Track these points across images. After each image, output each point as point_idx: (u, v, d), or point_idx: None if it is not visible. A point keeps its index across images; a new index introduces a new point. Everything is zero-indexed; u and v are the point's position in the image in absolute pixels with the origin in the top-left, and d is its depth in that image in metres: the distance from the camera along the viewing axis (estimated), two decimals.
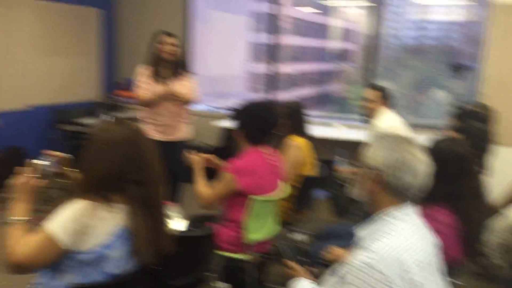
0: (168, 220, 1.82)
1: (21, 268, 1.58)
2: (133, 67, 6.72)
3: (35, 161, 1.78)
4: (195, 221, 2.92)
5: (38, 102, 5.80)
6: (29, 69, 5.65)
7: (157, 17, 6.59)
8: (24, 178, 1.75)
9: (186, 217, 2.95)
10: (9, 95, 5.39)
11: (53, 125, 5.85)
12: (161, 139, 3.85)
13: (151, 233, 1.66)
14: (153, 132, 3.86)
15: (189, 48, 6.57)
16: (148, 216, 1.65)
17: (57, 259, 1.58)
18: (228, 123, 5.72)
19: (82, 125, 5.61)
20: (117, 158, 1.61)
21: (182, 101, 3.87)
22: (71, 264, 1.60)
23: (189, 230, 2.64)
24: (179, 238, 2.24)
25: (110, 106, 6.27)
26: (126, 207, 1.62)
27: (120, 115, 5.75)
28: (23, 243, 1.57)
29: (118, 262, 1.63)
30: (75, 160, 1.83)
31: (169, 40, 3.77)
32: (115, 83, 6.74)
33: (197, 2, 6.57)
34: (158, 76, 3.80)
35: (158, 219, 1.72)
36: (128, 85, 5.96)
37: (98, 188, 1.60)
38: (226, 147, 5.94)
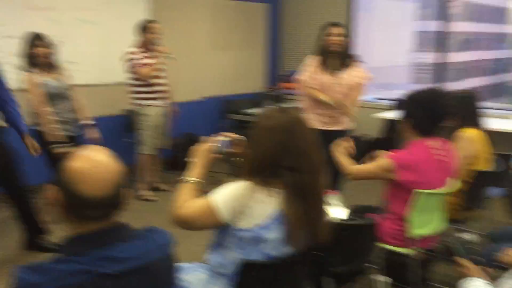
0: (328, 209, 1.82)
1: (182, 223, 1.76)
2: (296, 60, 6.96)
3: (214, 138, 1.95)
4: (356, 211, 2.90)
5: (211, 93, 6.31)
6: (204, 64, 6.18)
7: (320, 10, 6.65)
8: (205, 146, 1.91)
9: (347, 206, 2.96)
10: (187, 88, 5.95)
11: (223, 115, 6.31)
12: (323, 128, 3.90)
13: (307, 219, 1.67)
14: (315, 122, 3.92)
15: (353, 38, 6.51)
16: (304, 203, 1.66)
17: (213, 227, 1.73)
18: (391, 114, 5.55)
19: (248, 114, 5.95)
20: (272, 144, 1.66)
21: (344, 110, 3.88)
22: (233, 240, 1.71)
23: (350, 219, 2.63)
24: (340, 226, 2.26)
25: (275, 97, 6.53)
26: (283, 193, 1.65)
27: (284, 105, 5.95)
28: (189, 203, 1.75)
29: (275, 245, 1.67)
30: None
31: (336, 30, 3.77)
32: (279, 75, 6.99)
33: None
34: (325, 66, 3.83)
35: (315, 206, 1.71)
36: (291, 77, 6.13)
37: (257, 172, 1.67)
38: (388, 139, 5.78)
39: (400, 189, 2.51)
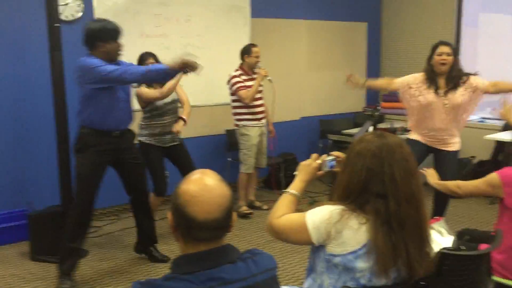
0: (433, 239, 1.74)
1: (274, 233, 1.83)
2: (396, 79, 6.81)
3: (322, 156, 2.01)
4: (462, 237, 2.76)
5: (308, 113, 6.37)
6: (302, 84, 6.26)
7: (421, 27, 6.47)
8: (309, 162, 1.97)
9: (452, 233, 2.83)
10: (285, 108, 6.06)
11: (322, 135, 6.32)
12: (431, 146, 3.86)
13: (399, 251, 1.60)
14: (419, 138, 3.86)
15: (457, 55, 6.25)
16: (395, 232, 1.59)
17: (304, 244, 1.74)
18: (500, 136, 5.23)
19: (347, 135, 5.91)
20: (360, 168, 1.64)
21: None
22: (324, 265, 1.69)
23: (458, 248, 2.51)
24: (446, 255, 2.17)
25: (375, 117, 6.42)
26: (372, 220, 1.61)
27: (385, 125, 5.83)
28: (286, 216, 1.81)
29: (365, 274, 1.63)
30: None
31: (445, 49, 3.66)
32: (380, 95, 6.88)
33: (467, 6, 6.19)
34: (432, 85, 3.72)
35: (410, 237, 1.62)
36: (391, 97, 6.01)
37: (348, 197, 1.66)
38: (496, 162, 5.44)
39: (509, 212, 2.37)
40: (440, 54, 3.66)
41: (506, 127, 5.45)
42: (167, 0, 5.00)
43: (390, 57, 6.92)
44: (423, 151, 3.84)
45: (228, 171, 5.25)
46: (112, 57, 3.21)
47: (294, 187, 1.93)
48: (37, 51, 4.28)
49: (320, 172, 2.00)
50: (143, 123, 4.10)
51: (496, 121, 5.79)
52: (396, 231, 1.59)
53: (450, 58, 3.65)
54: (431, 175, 2.82)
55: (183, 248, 1.37)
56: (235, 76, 4.70)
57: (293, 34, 6.08)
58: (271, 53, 5.73)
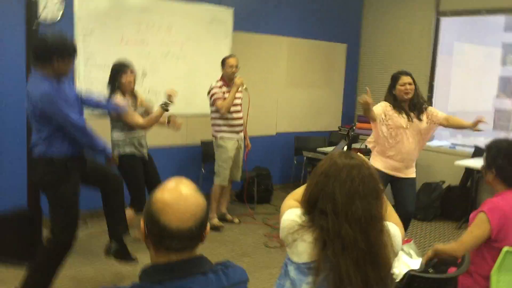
0: (401, 260, 1.75)
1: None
2: (373, 100, 6.92)
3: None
4: (431, 259, 2.79)
5: (284, 129, 6.40)
6: (279, 100, 6.30)
7: (398, 53, 6.61)
8: None
9: (421, 254, 2.86)
10: (262, 123, 6.07)
11: (296, 151, 6.35)
12: (392, 174, 3.92)
13: (341, 273, 1.55)
14: (384, 167, 3.89)
15: (432, 82, 6.41)
16: (336, 254, 1.56)
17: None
18: (469, 162, 5.35)
19: (321, 153, 5.95)
20: (311, 182, 1.68)
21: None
22: (284, 270, 1.72)
23: (426, 270, 2.54)
24: (414, 277, 2.19)
25: (349, 136, 6.49)
26: (318, 237, 1.61)
27: (359, 145, 5.90)
28: (293, 195, 1.88)
29: None
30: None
31: (407, 79, 3.78)
32: (356, 115, 6.97)
33: (443, 36, 6.37)
34: (403, 110, 3.82)
35: (361, 262, 1.56)
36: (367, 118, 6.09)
37: (305, 208, 1.69)
38: (464, 188, 5.56)
39: (487, 243, 2.41)
40: (403, 85, 3.77)
41: (476, 154, 5.58)
42: (150, 7, 4.98)
43: (367, 78, 7.03)
44: (385, 182, 3.85)
45: (201, 183, 5.21)
46: (63, 76, 2.98)
47: None
48: (13, 52, 4.20)
49: None
50: (122, 136, 3.98)
51: (464, 147, 5.94)
52: (338, 252, 1.55)
53: (412, 87, 3.79)
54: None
55: (154, 257, 1.34)
56: (215, 87, 4.70)
57: (274, 50, 6.13)
58: (251, 67, 5.76)
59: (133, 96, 4.02)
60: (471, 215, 2.53)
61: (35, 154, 3.02)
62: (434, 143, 6.25)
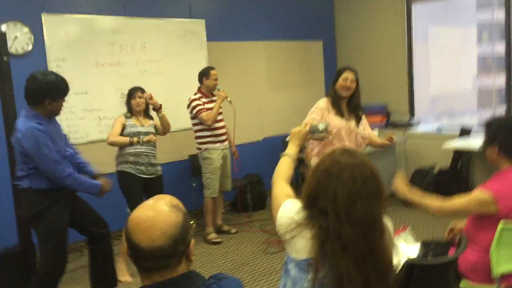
0: (399, 251, 1.72)
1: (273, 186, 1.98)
2: None
3: (308, 120, 2.32)
4: (428, 247, 2.77)
5: (271, 133, 6.38)
6: (262, 104, 6.28)
7: (375, 44, 6.64)
8: (299, 128, 2.25)
9: (418, 240, 2.84)
10: (247, 129, 6.05)
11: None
12: None
13: (341, 273, 1.54)
14: None
15: (410, 69, 6.44)
16: (335, 254, 1.54)
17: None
18: (457, 144, 5.37)
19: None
20: (313, 179, 1.65)
21: None
22: (284, 268, 1.70)
23: (423, 256, 2.52)
24: (413, 266, 2.17)
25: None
26: (317, 235, 1.59)
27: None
28: (281, 185, 1.94)
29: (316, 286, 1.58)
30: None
31: (350, 75, 3.66)
32: None
33: (417, 22, 6.41)
34: (339, 110, 3.69)
35: (361, 264, 1.55)
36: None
37: (306, 204, 1.66)
38: (455, 170, 5.57)
39: (488, 219, 2.39)
40: (345, 80, 3.66)
41: (462, 134, 5.60)
42: (121, 28, 4.95)
43: None
44: None
45: (194, 196, 5.17)
46: (54, 115, 3.03)
47: (290, 151, 2.15)
48: None
49: (309, 137, 2.32)
50: (122, 152, 4.06)
51: (450, 129, 5.96)
52: (338, 253, 1.54)
53: (354, 85, 3.68)
54: (400, 185, 2.62)
55: (141, 279, 1.32)
56: (194, 100, 4.67)
57: (251, 56, 6.13)
58: (230, 75, 5.74)
59: (147, 116, 4.22)
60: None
61: (20, 187, 3.00)
62: (420, 128, 6.27)
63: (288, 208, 1.72)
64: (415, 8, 6.38)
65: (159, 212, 1.29)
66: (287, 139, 2.29)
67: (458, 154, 5.51)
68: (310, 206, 1.64)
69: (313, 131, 2.33)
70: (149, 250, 1.25)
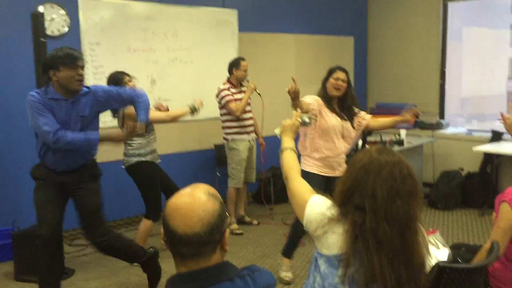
0: (430, 257, 1.70)
1: (286, 180, 1.97)
2: (383, 93, 6.86)
3: (302, 115, 2.39)
4: (457, 250, 2.73)
5: None
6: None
7: (407, 42, 6.53)
8: (291, 121, 2.25)
9: (447, 245, 2.80)
10: (274, 122, 5.99)
11: None
12: (322, 174, 3.62)
13: (374, 269, 1.53)
14: (312, 167, 3.63)
15: (443, 69, 6.32)
16: (370, 250, 1.54)
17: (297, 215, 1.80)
18: (487, 147, 5.26)
19: None
20: (348, 176, 1.65)
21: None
22: (314, 264, 1.70)
23: (455, 260, 2.48)
24: (443, 269, 2.13)
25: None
26: (349, 231, 1.58)
27: (374, 138, 5.82)
28: (299, 181, 1.92)
29: (346, 282, 1.58)
30: None
31: (340, 75, 3.59)
32: (368, 107, 6.91)
33: (451, 20, 6.28)
34: (334, 109, 3.62)
35: (396, 261, 1.55)
36: (379, 110, 6.03)
37: (340, 200, 1.65)
38: (484, 174, 5.47)
39: None
40: (336, 79, 3.59)
41: (494, 138, 5.49)
42: (154, 15, 4.97)
43: (376, 70, 6.96)
44: (321, 185, 3.53)
45: (217, 187, 5.18)
46: (68, 86, 2.93)
47: (289, 144, 2.14)
48: (23, 66, 4.21)
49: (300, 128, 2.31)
50: (140, 142, 3.86)
51: (481, 132, 5.84)
52: (372, 249, 1.54)
53: (345, 85, 3.60)
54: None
55: (176, 266, 1.33)
56: (224, 90, 4.67)
57: (281, 48, 6.09)
58: (259, 67, 5.72)
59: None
60: (496, 201, 2.47)
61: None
62: (450, 130, 6.16)
63: (317, 204, 1.72)
64: (451, 7, 6.25)
65: (197, 199, 1.30)
66: (276, 133, 2.29)
67: (488, 158, 5.41)
68: (345, 202, 1.63)
69: (303, 123, 2.41)
70: (185, 236, 1.26)
